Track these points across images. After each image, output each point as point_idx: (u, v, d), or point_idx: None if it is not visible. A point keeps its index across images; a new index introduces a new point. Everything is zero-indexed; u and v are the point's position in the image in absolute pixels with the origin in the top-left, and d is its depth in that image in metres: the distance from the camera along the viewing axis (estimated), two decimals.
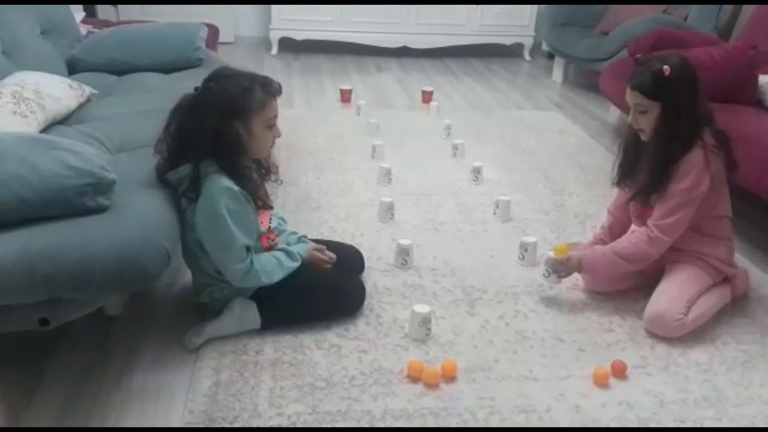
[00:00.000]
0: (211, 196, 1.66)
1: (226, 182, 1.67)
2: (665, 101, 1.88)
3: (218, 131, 1.66)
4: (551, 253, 2.03)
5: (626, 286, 2.11)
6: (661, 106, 1.88)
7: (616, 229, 2.19)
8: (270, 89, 1.73)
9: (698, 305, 1.96)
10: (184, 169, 1.70)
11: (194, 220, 1.70)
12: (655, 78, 1.86)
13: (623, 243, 2.00)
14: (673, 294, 1.95)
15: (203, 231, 1.70)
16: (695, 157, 1.89)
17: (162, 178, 1.75)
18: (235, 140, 1.69)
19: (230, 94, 1.67)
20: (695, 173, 1.88)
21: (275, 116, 1.76)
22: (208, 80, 1.72)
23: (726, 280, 2.06)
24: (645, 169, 1.98)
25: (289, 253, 1.84)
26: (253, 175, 1.79)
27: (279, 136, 1.81)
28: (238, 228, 1.69)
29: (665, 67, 1.85)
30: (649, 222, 1.97)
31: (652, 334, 1.93)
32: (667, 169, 1.91)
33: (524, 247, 2.29)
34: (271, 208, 1.92)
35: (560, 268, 2.02)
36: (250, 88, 1.69)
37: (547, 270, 2.04)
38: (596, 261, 2.01)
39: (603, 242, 2.19)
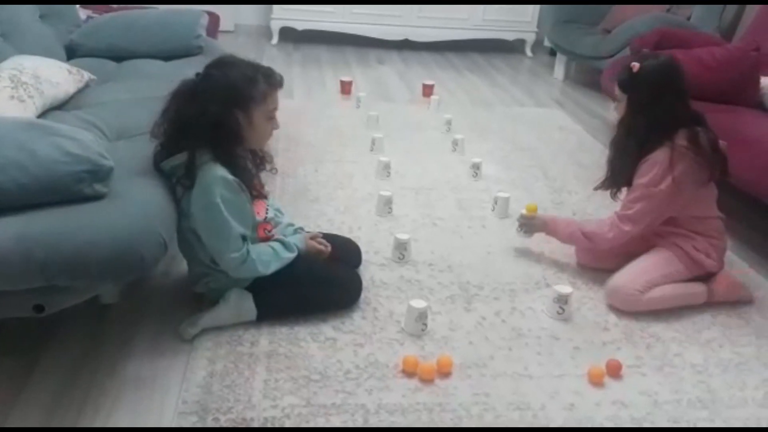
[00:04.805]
0: (206, 185, 1.66)
1: (221, 171, 1.67)
2: (630, 96, 2.01)
3: (219, 119, 1.65)
4: (523, 211, 2.31)
5: (608, 266, 2.14)
6: (627, 99, 2.02)
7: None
8: (272, 80, 1.73)
9: (662, 289, 2.03)
10: (180, 157, 1.69)
11: (189, 210, 1.70)
12: (626, 72, 2.00)
13: (591, 222, 2.17)
14: (635, 270, 2.05)
15: (198, 220, 1.70)
16: (659, 156, 1.97)
17: (157, 166, 1.74)
18: (235, 130, 1.69)
19: (233, 83, 1.67)
20: (655, 171, 1.97)
21: (276, 108, 1.77)
22: (210, 67, 1.71)
23: (707, 279, 2.08)
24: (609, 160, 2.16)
25: (285, 244, 1.84)
26: (247, 165, 1.79)
27: (277, 128, 1.81)
28: (232, 217, 1.68)
29: (633, 63, 1.98)
30: (615, 210, 2.10)
31: (614, 308, 2.03)
32: (633, 166, 2.03)
33: (495, 200, 2.62)
34: (266, 197, 1.91)
35: (526, 223, 2.27)
36: (253, 78, 1.69)
37: (519, 224, 2.30)
38: (558, 228, 2.21)
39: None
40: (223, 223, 1.68)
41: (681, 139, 1.96)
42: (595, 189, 2.24)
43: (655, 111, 1.96)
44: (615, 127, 2.14)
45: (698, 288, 2.08)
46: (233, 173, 1.69)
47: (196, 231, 1.73)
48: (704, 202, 2.07)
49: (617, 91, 2.04)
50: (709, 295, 2.08)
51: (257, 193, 1.83)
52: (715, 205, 2.10)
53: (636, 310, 2.01)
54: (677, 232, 2.08)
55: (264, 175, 1.93)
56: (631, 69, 1.97)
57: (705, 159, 1.97)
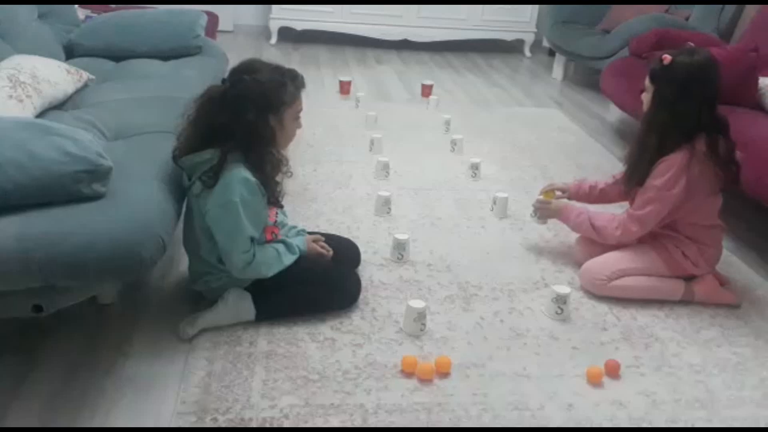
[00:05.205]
0: (228, 183, 1.67)
1: (245, 173, 1.68)
2: (656, 88, 1.97)
3: (255, 125, 1.67)
4: (540, 196, 2.28)
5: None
6: (653, 92, 1.98)
7: (606, 194, 2.27)
8: (298, 83, 1.76)
9: (632, 279, 2.05)
10: (205, 155, 1.70)
11: (206, 206, 1.70)
12: (658, 62, 1.95)
13: (602, 215, 2.13)
14: (609, 258, 2.09)
15: (213, 217, 1.70)
16: (676, 159, 1.95)
17: (176, 161, 1.75)
18: (269, 134, 1.71)
19: (266, 89, 1.68)
20: (671, 174, 1.95)
21: (302, 109, 1.80)
22: (238, 73, 1.71)
23: (689, 279, 2.09)
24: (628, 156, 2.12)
25: (288, 246, 1.84)
26: (269, 170, 1.78)
27: (300, 127, 1.83)
28: (247, 218, 1.69)
29: (665, 55, 1.93)
30: (628, 209, 2.09)
31: (583, 289, 2.11)
32: (650, 165, 1.99)
33: (494, 200, 2.60)
34: (282, 206, 1.91)
35: (542, 208, 2.25)
36: (283, 82, 1.71)
37: (534, 209, 2.29)
38: (571, 216, 2.19)
39: (586, 192, 2.30)
40: (237, 223, 1.68)
41: (701, 144, 1.93)
42: (614, 183, 2.23)
43: (678, 109, 1.92)
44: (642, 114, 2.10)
45: (674, 284, 2.08)
46: (258, 176, 1.70)
47: (208, 228, 1.73)
48: (708, 210, 2.06)
49: (647, 80, 2.00)
50: (688, 294, 2.08)
51: (275, 201, 1.83)
52: (717, 214, 2.09)
53: (602, 295, 2.07)
54: (671, 235, 2.07)
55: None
56: (662, 60, 1.93)
57: (720, 168, 1.95)
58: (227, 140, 1.68)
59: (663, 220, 2.04)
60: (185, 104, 1.75)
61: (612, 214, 2.14)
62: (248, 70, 1.71)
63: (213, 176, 1.68)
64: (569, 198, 2.35)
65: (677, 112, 1.93)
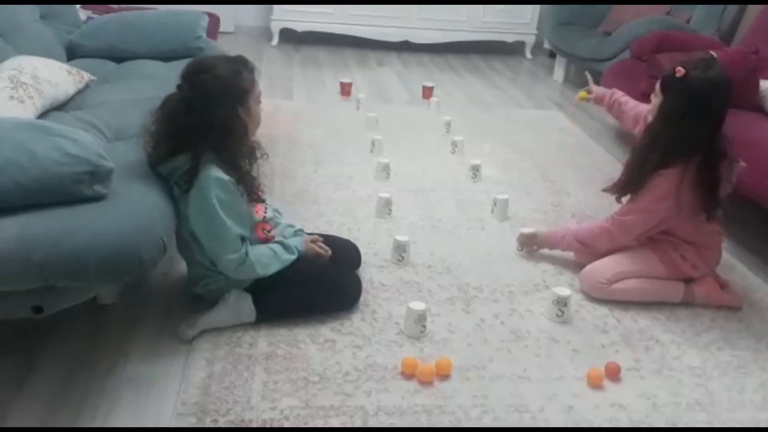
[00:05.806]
0: (202, 186, 1.66)
1: (216, 173, 1.67)
2: (665, 98, 1.94)
3: (226, 121, 1.67)
4: (523, 230, 2.33)
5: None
6: (661, 102, 1.95)
7: (622, 115, 2.38)
8: (250, 66, 1.76)
9: (631, 282, 2.05)
10: (180, 159, 1.69)
11: (187, 212, 1.70)
12: (670, 72, 1.92)
13: (585, 229, 2.19)
14: (608, 262, 2.09)
15: (195, 222, 1.70)
16: (667, 177, 1.94)
17: (153, 169, 1.74)
18: (241, 127, 1.71)
19: (228, 83, 1.67)
20: (661, 191, 1.96)
21: (261, 91, 1.80)
22: (194, 75, 1.68)
23: (688, 282, 2.09)
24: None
25: (285, 246, 1.84)
26: (246, 164, 1.78)
27: (260, 103, 1.82)
28: (229, 217, 1.69)
29: (679, 68, 1.89)
30: (613, 214, 2.11)
31: (583, 292, 2.11)
32: (645, 176, 1.98)
33: (494, 202, 2.62)
34: (263, 201, 1.91)
35: (526, 243, 2.30)
36: (238, 71, 1.71)
37: (519, 244, 2.34)
38: (556, 242, 2.26)
39: (610, 102, 2.40)
40: (219, 224, 1.68)
41: (694, 166, 1.91)
42: (603, 191, 2.21)
43: (683, 126, 1.88)
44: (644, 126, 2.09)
45: (674, 286, 2.08)
46: (231, 174, 1.69)
47: (194, 233, 1.73)
48: (703, 221, 2.04)
49: (657, 87, 1.97)
50: (688, 296, 2.09)
51: (256, 197, 1.82)
52: (714, 222, 2.08)
53: (602, 298, 2.07)
54: (669, 239, 2.07)
55: (263, 177, 1.92)
56: (674, 71, 1.88)
57: (702, 196, 1.95)
58: (197, 143, 1.67)
59: (656, 227, 2.05)
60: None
61: (592, 225, 2.18)
62: (203, 69, 1.69)
63: (187, 181, 1.67)
64: (596, 101, 2.45)
65: (682, 128, 1.89)
